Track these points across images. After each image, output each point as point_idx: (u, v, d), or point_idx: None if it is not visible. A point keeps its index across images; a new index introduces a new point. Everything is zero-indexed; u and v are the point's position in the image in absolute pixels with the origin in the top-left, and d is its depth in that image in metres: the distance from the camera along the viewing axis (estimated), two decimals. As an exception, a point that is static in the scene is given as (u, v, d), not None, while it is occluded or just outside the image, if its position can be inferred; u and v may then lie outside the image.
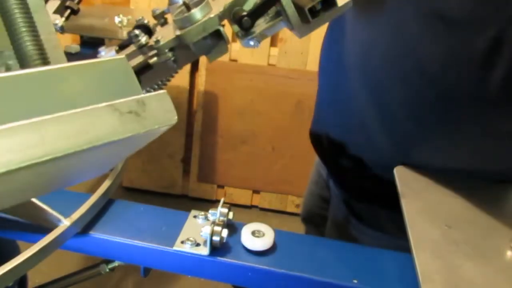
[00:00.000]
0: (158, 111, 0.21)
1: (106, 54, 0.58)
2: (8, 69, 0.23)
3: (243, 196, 1.88)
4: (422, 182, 0.53)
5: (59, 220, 0.44)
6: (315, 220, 0.83)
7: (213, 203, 1.88)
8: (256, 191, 1.88)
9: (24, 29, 0.21)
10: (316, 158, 0.80)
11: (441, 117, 0.54)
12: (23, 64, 0.21)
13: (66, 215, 0.45)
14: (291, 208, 1.85)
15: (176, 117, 0.22)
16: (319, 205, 0.81)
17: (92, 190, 0.50)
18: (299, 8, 0.43)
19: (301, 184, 1.71)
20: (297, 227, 1.02)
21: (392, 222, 0.63)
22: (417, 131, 0.56)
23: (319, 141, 0.71)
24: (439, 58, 0.50)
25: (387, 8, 0.53)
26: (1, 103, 0.18)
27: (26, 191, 0.26)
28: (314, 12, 0.43)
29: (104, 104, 0.19)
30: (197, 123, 1.81)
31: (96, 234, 0.48)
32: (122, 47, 0.55)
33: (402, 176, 0.53)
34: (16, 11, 0.21)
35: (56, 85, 0.19)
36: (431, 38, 0.50)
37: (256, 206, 1.89)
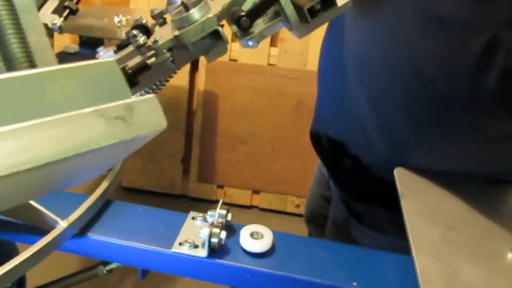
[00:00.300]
0: (147, 116, 0.20)
1: (105, 54, 0.58)
2: None
3: (243, 196, 1.88)
4: (422, 184, 0.52)
5: (56, 222, 0.44)
6: (317, 220, 0.83)
7: (213, 203, 1.88)
8: (256, 191, 1.87)
9: (10, 31, 0.20)
10: (318, 159, 0.80)
11: (438, 119, 0.53)
12: (9, 66, 0.21)
13: (64, 217, 0.45)
14: (291, 208, 1.85)
15: (166, 122, 0.21)
16: (321, 205, 0.81)
17: (90, 191, 0.50)
18: (298, 8, 0.43)
19: (301, 184, 1.71)
20: (297, 227, 1.01)
21: (391, 222, 0.63)
22: (415, 133, 0.55)
23: (319, 141, 0.71)
24: (436, 61, 0.50)
25: (384, 10, 0.53)
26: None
27: (14, 196, 0.25)
28: (313, 12, 0.43)
29: (90, 109, 0.19)
30: (197, 123, 1.81)
31: (94, 235, 0.47)
32: (120, 47, 0.55)
33: (402, 177, 0.53)
34: (2, 12, 0.20)
35: (41, 89, 0.18)
36: (427, 40, 0.50)
37: (256, 206, 1.89)
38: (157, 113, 0.20)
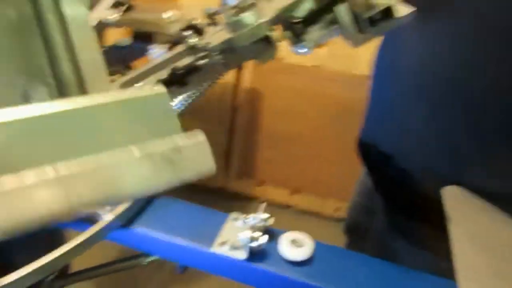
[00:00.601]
0: (195, 160, 0.19)
1: (156, 52, 0.60)
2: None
3: (281, 196, 1.87)
4: (472, 206, 0.50)
5: (104, 213, 0.46)
6: (358, 231, 0.81)
7: (251, 200, 1.89)
8: (294, 192, 1.86)
9: (60, 51, 0.20)
10: (362, 167, 0.78)
11: (500, 132, 0.50)
12: (61, 86, 0.20)
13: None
14: (329, 212, 1.83)
15: (214, 167, 0.20)
16: (364, 217, 0.79)
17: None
18: (355, 17, 0.42)
19: (341, 188, 1.68)
20: (334, 231, 0.99)
21: (436, 242, 0.61)
22: (477, 150, 0.52)
23: (367, 151, 0.69)
24: (493, 68, 0.47)
25: (444, 21, 0.50)
26: (23, 146, 0.16)
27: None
28: (371, 22, 0.41)
29: (138, 151, 0.18)
30: (240, 119, 1.82)
31: (137, 228, 0.49)
32: (172, 45, 0.56)
33: (451, 198, 0.50)
34: (54, 30, 0.20)
35: (89, 122, 0.18)
36: (485, 48, 0.47)
37: (293, 207, 1.88)
38: (207, 157, 0.19)
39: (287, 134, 1.77)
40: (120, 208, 0.47)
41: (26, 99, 0.18)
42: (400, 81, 0.59)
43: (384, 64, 0.65)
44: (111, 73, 0.90)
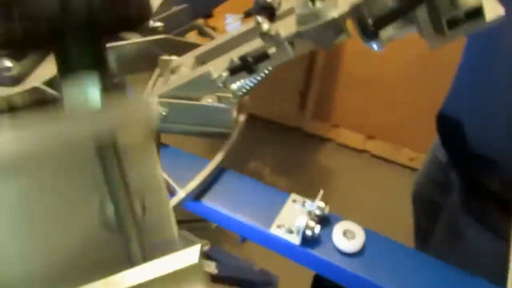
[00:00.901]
0: None
1: (232, 23, 0.60)
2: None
3: (356, 139, 1.85)
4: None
5: (176, 190, 0.51)
6: (428, 205, 0.80)
7: (325, 141, 1.89)
8: (369, 137, 1.83)
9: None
10: (437, 138, 0.74)
11: None
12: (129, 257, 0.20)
13: (182, 178, 0.51)
14: (403, 160, 1.78)
15: None
16: (432, 190, 0.77)
17: (207, 152, 0.54)
18: (435, 16, 0.38)
19: (417, 138, 1.62)
20: (408, 181, 0.98)
21: (509, 227, 0.59)
22: None
23: (447, 126, 0.66)
24: None
25: None
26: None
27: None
28: (451, 23, 0.38)
29: None
30: (319, 59, 1.77)
31: (205, 202, 0.53)
32: (245, 17, 0.56)
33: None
34: (114, 184, 0.19)
35: None
36: None
37: (368, 152, 1.86)
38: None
39: (366, 77, 1.70)
40: (191, 185, 0.52)
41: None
42: (498, 62, 0.54)
43: (483, 38, 0.59)
44: (189, 30, 0.91)
